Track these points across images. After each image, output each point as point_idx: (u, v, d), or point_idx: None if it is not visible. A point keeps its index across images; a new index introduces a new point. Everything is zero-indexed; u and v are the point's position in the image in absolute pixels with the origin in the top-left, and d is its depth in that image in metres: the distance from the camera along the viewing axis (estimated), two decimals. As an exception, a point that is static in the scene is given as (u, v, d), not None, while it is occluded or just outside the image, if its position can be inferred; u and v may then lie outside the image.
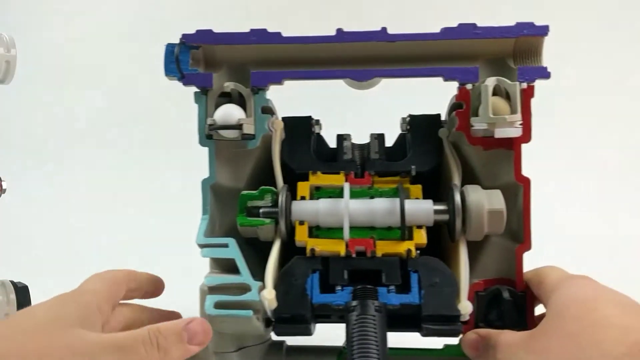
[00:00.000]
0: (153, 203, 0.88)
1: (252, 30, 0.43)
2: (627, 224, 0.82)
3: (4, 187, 0.58)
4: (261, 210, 0.42)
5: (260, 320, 0.40)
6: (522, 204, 0.42)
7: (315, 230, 0.43)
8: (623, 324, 0.32)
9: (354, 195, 0.43)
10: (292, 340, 0.45)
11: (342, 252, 0.41)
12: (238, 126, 0.42)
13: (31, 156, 0.92)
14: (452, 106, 0.44)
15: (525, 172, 0.42)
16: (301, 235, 0.42)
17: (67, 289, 0.38)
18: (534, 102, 0.41)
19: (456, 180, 0.43)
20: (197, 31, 0.43)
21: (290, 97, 0.53)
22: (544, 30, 0.42)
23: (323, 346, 0.45)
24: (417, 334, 0.41)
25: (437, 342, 0.44)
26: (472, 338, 0.40)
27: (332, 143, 0.48)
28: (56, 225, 0.87)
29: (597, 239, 0.78)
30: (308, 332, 0.41)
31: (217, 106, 0.43)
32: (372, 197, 0.43)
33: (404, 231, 0.41)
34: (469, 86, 0.42)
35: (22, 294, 0.55)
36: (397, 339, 0.44)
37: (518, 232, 0.43)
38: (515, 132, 0.41)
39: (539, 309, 0.42)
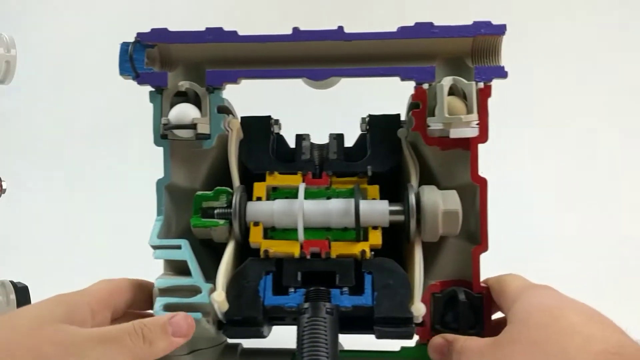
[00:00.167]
0: (154, 203, 0.87)
1: (207, 29, 0.42)
2: (615, 226, 0.81)
3: (4, 187, 0.58)
4: (215, 211, 0.42)
5: (210, 323, 0.39)
6: (479, 205, 0.42)
7: (271, 232, 0.42)
8: (588, 332, 0.32)
9: (310, 195, 0.43)
10: (248, 343, 0.45)
11: (297, 254, 0.41)
12: (192, 126, 0.41)
13: (31, 156, 0.91)
14: (410, 106, 0.44)
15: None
16: (255, 237, 0.42)
17: (67, 289, 0.38)
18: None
19: (413, 180, 0.42)
20: (152, 30, 0.43)
21: (258, 98, 0.53)
22: (501, 30, 0.41)
23: (278, 349, 0.44)
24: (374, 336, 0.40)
25: (395, 345, 0.43)
26: (438, 342, 0.40)
27: (293, 143, 0.48)
28: (56, 225, 0.86)
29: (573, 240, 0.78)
30: (260, 335, 0.40)
31: (173, 105, 0.43)
32: (329, 198, 0.43)
33: (359, 232, 0.41)
34: (425, 86, 0.42)
35: (22, 294, 0.55)
36: (355, 341, 0.44)
37: (475, 233, 0.42)
38: (472, 132, 0.40)
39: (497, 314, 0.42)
